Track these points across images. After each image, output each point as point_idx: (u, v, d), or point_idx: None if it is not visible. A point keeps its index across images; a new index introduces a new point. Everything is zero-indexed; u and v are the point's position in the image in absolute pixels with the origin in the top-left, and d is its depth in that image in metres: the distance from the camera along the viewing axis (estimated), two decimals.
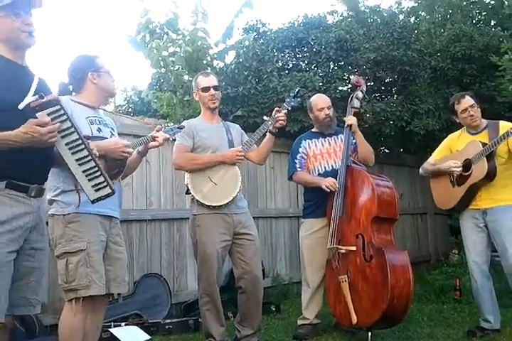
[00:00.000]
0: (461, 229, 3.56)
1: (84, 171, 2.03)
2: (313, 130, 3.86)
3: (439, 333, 3.48)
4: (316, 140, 3.73)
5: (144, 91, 6.10)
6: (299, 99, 3.43)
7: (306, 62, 6.30)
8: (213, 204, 3.08)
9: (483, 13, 8.73)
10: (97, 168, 2.06)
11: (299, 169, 3.67)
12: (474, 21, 8.53)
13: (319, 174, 3.63)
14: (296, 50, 6.41)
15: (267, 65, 5.79)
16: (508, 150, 3.33)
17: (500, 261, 3.37)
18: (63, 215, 2.33)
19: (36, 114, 1.90)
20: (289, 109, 3.30)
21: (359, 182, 3.40)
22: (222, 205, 3.09)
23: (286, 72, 6.16)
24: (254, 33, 6.81)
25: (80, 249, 2.29)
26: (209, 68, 5.43)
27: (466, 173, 3.38)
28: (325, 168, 3.65)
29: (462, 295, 4.51)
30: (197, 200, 3.10)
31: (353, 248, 3.27)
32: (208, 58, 5.61)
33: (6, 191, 1.96)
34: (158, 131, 2.62)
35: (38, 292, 2.12)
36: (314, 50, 6.19)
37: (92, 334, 2.41)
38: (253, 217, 3.35)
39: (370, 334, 3.14)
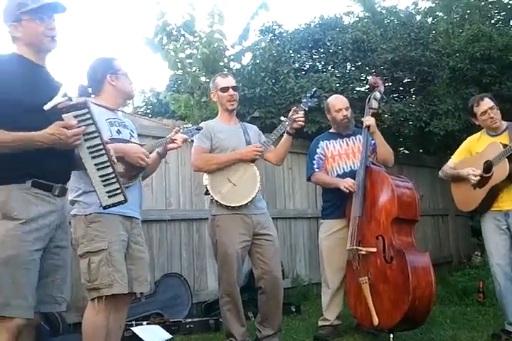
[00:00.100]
0: (482, 231, 3.51)
1: (101, 176, 2.04)
2: (330, 131, 3.84)
3: (463, 336, 3.43)
4: (334, 141, 3.72)
5: (161, 93, 6.14)
6: (315, 100, 3.42)
7: (323, 63, 6.29)
8: (232, 205, 3.08)
9: (502, 13, 8.64)
10: (113, 175, 2.06)
11: (316, 170, 3.65)
12: (493, 21, 8.45)
13: (338, 175, 3.61)
14: (313, 51, 6.39)
15: (283, 66, 5.79)
16: None
17: None
18: (85, 215, 2.36)
19: (62, 116, 1.92)
20: (306, 109, 3.29)
21: (378, 183, 3.37)
22: (241, 206, 3.09)
23: (303, 73, 6.15)
24: (271, 35, 6.82)
25: (101, 248, 2.32)
26: (226, 70, 5.45)
27: (487, 175, 3.34)
28: (343, 169, 3.63)
29: (486, 297, 4.44)
30: (216, 201, 3.10)
31: (374, 249, 3.24)
32: (225, 60, 5.63)
33: (31, 190, 1.99)
34: (176, 132, 2.64)
35: (63, 289, 2.14)
36: (331, 50, 6.17)
37: (115, 332, 2.44)
38: (272, 218, 3.34)
39: (391, 336, 3.11)
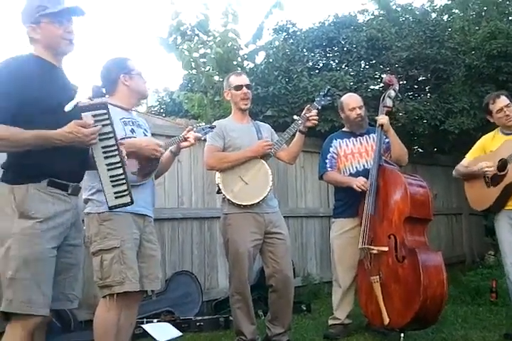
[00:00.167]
0: (496, 230, 3.48)
1: (111, 176, 2.07)
2: (344, 129, 3.83)
3: (474, 335, 3.41)
4: (347, 140, 3.71)
5: (175, 92, 6.17)
6: (329, 98, 3.41)
7: (337, 61, 6.27)
8: (244, 204, 3.10)
9: None
10: (123, 176, 2.09)
11: (329, 169, 3.65)
12: (511, 18, 8.32)
13: (351, 174, 3.61)
14: (327, 49, 6.38)
15: (297, 65, 5.79)
16: None
17: None
18: (98, 213, 2.39)
19: (82, 114, 1.96)
20: (319, 108, 3.29)
21: (391, 181, 3.35)
22: (253, 204, 3.10)
23: (317, 71, 6.14)
24: (284, 33, 6.81)
25: (114, 246, 2.34)
26: (239, 69, 5.45)
27: (502, 173, 3.31)
28: (356, 167, 3.63)
29: (499, 297, 4.40)
30: (228, 200, 3.12)
31: (385, 248, 3.23)
32: (239, 59, 5.64)
33: (48, 189, 2.03)
34: (189, 131, 2.66)
35: (75, 287, 2.18)
36: (345, 49, 6.15)
37: (126, 329, 2.46)
38: (283, 217, 3.35)
39: (402, 335, 3.10)
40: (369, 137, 3.69)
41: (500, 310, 4.17)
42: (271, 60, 5.87)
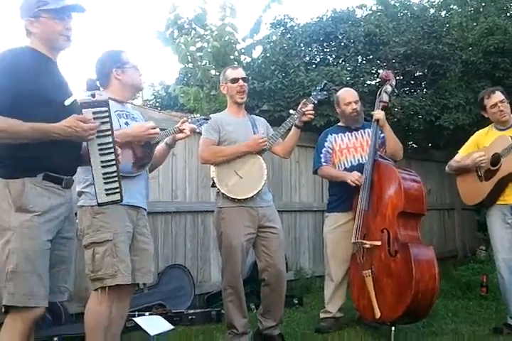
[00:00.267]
0: (488, 225, 3.50)
1: (104, 173, 2.08)
2: (339, 124, 3.84)
3: (464, 329, 3.45)
4: (343, 134, 3.72)
5: (171, 86, 6.16)
6: (325, 93, 3.41)
7: (334, 56, 6.26)
8: (238, 198, 3.10)
9: None
10: (116, 174, 2.10)
11: (324, 163, 3.66)
12: (509, 14, 8.31)
13: (345, 168, 3.62)
14: (324, 44, 6.37)
15: (294, 60, 5.78)
16: None
17: None
18: (91, 206, 2.39)
19: (82, 110, 1.98)
20: (316, 102, 3.29)
21: (386, 176, 3.36)
22: (247, 198, 3.10)
23: (314, 66, 6.13)
24: (282, 28, 6.80)
25: (106, 239, 2.35)
26: (236, 63, 5.44)
27: (495, 167, 3.33)
28: (351, 162, 3.64)
29: (489, 291, 4.44)
30: (222, 193, 3.12)
31: (378, 243, 3.24)
32: (236, 53, 5.62)
33: (43, 183, 2.04)
34: (184, 122, 2.66)
35: (67, 280, 2.19)
36: (342, 44, 6.15)
37: (117, 322, 2.47)
38: (277, 211, 3.35)
39: (393, 328, 3.11)
40: (364, 132, 3.69)
41: (490, 304, 4.20)
42: (268, 55, 5.86)
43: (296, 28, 6.76)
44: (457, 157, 3.64)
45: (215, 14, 5.60)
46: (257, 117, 3.50)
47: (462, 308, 4.14)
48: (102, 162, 2.07)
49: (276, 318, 3.20)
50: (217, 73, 5.16)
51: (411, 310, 3.05)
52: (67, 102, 1.97)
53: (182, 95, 5.61)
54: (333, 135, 3.72)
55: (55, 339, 3.06)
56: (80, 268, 2.64)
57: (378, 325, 3.42)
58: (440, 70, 6.14)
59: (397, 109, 5.72)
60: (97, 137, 2.04)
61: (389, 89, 3.61)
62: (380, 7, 7.89)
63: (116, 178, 2.10)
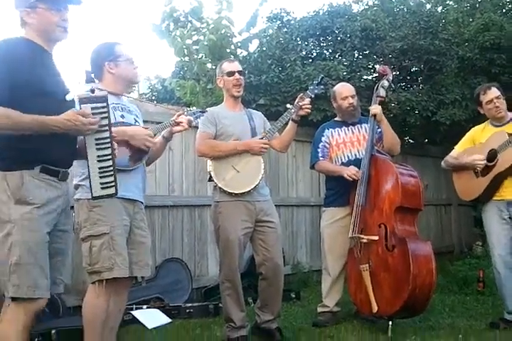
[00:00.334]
0: (483, 221, 3.51)
1: (100, 168, 2.09)
2: (336, 119, 3.83)
3: (461, 324, 3.46)
4: (339, 129, 3.71)
5: (167, 80, 6.15)
6: (322, 87, 3.39)
7: (330, 50, 6.25)
8: (236, 192, 3.09)
9: None
10: (112, 168, 2.11)
11: (321, 158, 3.65)
12: (504, 10, 8.33)
13: (342, 163, 3.61)
14: (321, 38, 6.36)
15: (290, 54, 5.76)
16: None
17: None
18: (88, 199, 2.36)
19: (81, 106, 1.99)
20: (313, 96, 3.27)
21: (383, 171, 3.36)
22: (244, 193, 3.09)
23: (310, 60, 6.12)
24: (278, 22, 6.78)
25: (103, 232, 2.34)
26: (232, 56, 5.42)
27: (491, 163, 3.33)
28: (348, 156, 3.63)
29: (486, 286, 4.46)
30: (219, 188, 3.10)
31: (375, 237, 3.25)
32: (232, 47, 5.61)
33: (40, 175, 2.03)
34: (180, 115, 2.64)
35: (62, 272, 2.19)
36: (339, 38, 6.14)
37: (115, 315, 2.46)
38: (274, 205, 3.34)
39: (390, 323, 3.11)
40: (361, 126, 3.69)
41: (486, 299, 4.22)
42: (264, 49, 5.84)
43: (292, 22, 6.74)
44: (453, 153, 3.63)
45: (211, 7, 5.62)
46: (254, 111, 3.48)
47: (459, 303, 4.16)
48: (98, 156, 2.08)
49: (274, 312, 3.20)
50: (214, 67, 5.14)
51: (408, 305, 3.06)
52: (68, 97, 1.99)
53: (178, 89, 5.60)
54: (330, 130, 3.72)
55: (53, 331, 3.05)
56: (77, 262, 2.63)
57: (375, 320, 3.42)
58: (436, 66, 6.15)
59: (394, 104, 5.72)
60: (95, 132, 2.05)
61: (386, 83, 3.61)
62: (376, 2, 7.89)
63: (111, 172, 2.12)
